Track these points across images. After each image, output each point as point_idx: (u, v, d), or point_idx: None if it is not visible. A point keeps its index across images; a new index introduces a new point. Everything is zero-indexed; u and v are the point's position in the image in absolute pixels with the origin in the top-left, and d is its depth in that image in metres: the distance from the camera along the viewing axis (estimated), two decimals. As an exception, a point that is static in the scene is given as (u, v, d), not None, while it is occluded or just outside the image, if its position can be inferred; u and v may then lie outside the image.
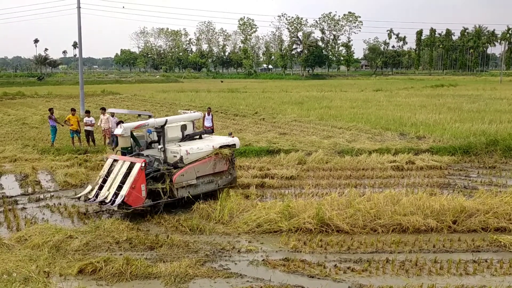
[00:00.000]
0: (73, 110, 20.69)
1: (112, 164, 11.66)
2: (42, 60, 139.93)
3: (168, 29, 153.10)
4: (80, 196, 11.57)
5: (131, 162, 11.25)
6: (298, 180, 14.73)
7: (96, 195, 11.23)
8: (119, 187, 10.99)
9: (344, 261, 8.74)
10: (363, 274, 8.20)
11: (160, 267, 8.40)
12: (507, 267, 8.39)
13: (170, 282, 7.91)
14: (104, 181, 11.46)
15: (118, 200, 10.79)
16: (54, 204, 12.63)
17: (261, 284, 7.82)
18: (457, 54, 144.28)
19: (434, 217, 10.42)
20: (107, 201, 10.94)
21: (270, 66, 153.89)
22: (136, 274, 8.18)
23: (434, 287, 7.48)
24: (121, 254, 9.05)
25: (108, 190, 11.12)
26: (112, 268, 8.25)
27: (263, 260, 8.85)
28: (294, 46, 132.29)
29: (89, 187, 11.73)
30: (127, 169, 11.14)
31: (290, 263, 8.62)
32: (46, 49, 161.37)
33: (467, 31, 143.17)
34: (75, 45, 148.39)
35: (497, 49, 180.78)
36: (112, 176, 11.30)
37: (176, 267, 8.37)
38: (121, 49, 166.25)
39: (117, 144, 19.56)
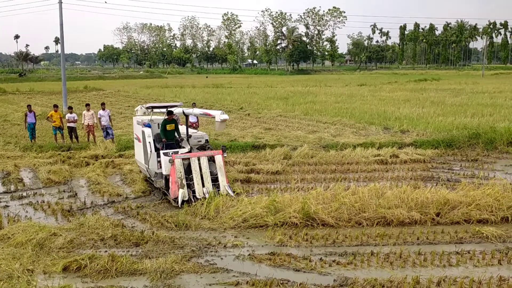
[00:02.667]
0: (55, 106, 20.43)
1: (182, 164, 11.77)
2: (24, 56, 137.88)
3: (151, 24, 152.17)
4: (180, 202, 11.49)
5: (210, 156, 12.21)
6: (283, 175, 14.77)
7: (193, 195, 11.67)
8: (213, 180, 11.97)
9: (330, 254, 8.80)
10: (348, 267, 8.26)
11: (146, 263, 8.36)
12: (489, 258, 8.52)
13: (156, 278, 7.88)
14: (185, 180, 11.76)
15: (230, 190, 11.93)
16: (38, 201, 12.48)
17: (247, 279, 7.83)
18: (440, 48, 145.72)
19: (418, 209, 10.53)
20: (207, 195, 11.55)
21: (255, 62, 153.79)
22: (121, 271, 8.13)
23: (418, 278, 7.56)
24: (106, 251, 8.98)
25: (203, 186, 11.76)
26: (97, 265, 8.20)
27: (249, 254, 8.86)
28: (278, 41, 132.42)
29: (177, 193, 11.64)
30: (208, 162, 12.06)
31: (276, 257, 8.65)
32: (27, 45, 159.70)
33: (450, 25, 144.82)
34: (57, 41, 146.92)
35: (479, 44, 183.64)
36: (195, 173, 11.75)
37: (162, 263, 8.35)
38: (104, 45, 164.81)
39: (107, 136, 19.51)
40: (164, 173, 12.07)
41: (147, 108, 13.77)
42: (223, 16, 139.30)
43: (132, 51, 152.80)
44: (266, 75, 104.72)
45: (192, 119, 20.04)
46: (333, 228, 10.07)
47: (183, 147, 12.76)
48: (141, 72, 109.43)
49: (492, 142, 18.28)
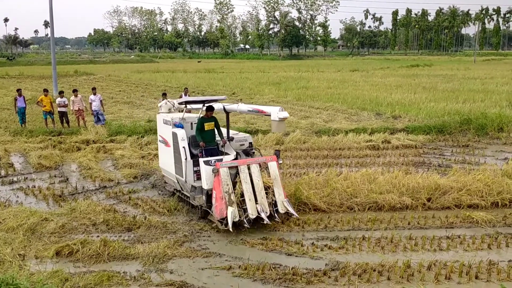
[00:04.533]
0: (45, 90, 20.23)
1: (229, 173, 9.25)
2: (13, 40, 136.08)
3: (142, 8, 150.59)
4: (230, 224, 8.82)
5: (263, 162, 9.69)
6: (275, 160, 14.74)
7: (245, 214, 9.08)
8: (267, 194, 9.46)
9: (321, 239, 8.84)
10: (340, 252, 8.31)
11: (138, 248, 8.37)
12: (479, 242, 8.61)
13: (148, 263, 7.89)
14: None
15: (290, 207, 9.52)
16: (28, 186, 12.40)
17: (239, 263, 7.86)
18: (432, 34, 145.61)
19: (409, 195, 10.60)
20: (262, 214, 9.16)
21: (247, 46, 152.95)
22: (113, 256, 8.13)
23: (409, 263, 7.63)
24: (98, 236, 8.97)
25: (256, 202, 9.21)
26: (89, 250, 8.19)
27: (241, 239, 8.89)
28: (271, 26, 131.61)
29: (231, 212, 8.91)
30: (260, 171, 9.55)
31: (268, 241, 8.68)
32: (16, 29, 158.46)
33: (442, 11, 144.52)
34: (46, 25, 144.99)
35: (471, 30, 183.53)
36: (245, 185, 9.18)
37: (154, 248, 8.36)
38: (95, 29, 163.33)
39: (98, 122, 19.38)
40: (205, 187, 9.36)
41: (181, 103, 11.15)
42: (215, 0, 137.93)
43: (123, 35, 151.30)
44: (259, 60, 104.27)
45: None
46: (325, 213, 10.12)
47: (227, 153, 10.19)
48: (132, 57, 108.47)
49: (483, 128, 18.38)
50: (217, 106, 11.01)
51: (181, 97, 20.10)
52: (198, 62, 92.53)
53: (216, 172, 9.11)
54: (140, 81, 42.18)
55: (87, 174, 13.45)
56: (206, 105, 10.50)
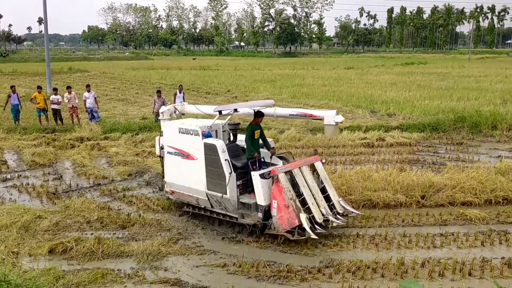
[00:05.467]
0: (39, 87, 20.12)
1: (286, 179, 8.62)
2: (6, 37, 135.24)
3: (136, 5, 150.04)
4: (309, 229, 8.20)
5: (310, 164, 9.25)
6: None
7: (313, 220, 8.47)
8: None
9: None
10: (334, 249, 8.33)
11: (133, 245, 8.36)
12: (472, 239, 8.66)
13: (142, 260, 7.88)
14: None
15: (347, 205, 9.35)
16: (22, 184, 12.35)
17: (234, 260, 7.87)
18: (427, 32, 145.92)
19: (403, 192, 10.64)
20: (330, 217, 8.75)
21: (242, 44, 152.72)
22: (108, 253, 8.12)
23: (403, 260, 7.66)
24: (92, 234, 8.95)
25: (318, 206, 8.74)
26: (83, 247, 8.18)
27: (236, 236, 8.89)
28: (266, 23, 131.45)
29: (304, 218, 8.31)
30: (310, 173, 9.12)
31: (262, 239, 8.68)
32: (10, 25, 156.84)
33: (437, 9, 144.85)
34: (40, 21, 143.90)
35: (465, 28, 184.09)
36: (305, 189, 8.66)
37: (148, 245, 8.35)
38: (89, 26, 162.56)
39: (92, 119, 19.29)
40: (263, 203, 8.43)
41: (217, 111, 9.61)
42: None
43: (117, 32, 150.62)
44: (254, 58, 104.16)
45: (178, 101, 19.77)
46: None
47: (275, 164, 9.32)
48: (126, 54, 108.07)
49: (477, 126, 18.45)
50: (242, 111, 10.23)
51: (175, 94, 20.05)
52: (193, 59, 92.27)
53: (276, 179, 8.37)
54: (135, 78, 42.05)
55: (81, 171, 13.41)
56: (255, 110, 9.57)
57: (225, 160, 8.72)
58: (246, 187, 8.95)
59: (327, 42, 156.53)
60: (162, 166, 10.36)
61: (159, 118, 10.47)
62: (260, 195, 8.43)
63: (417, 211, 10.15)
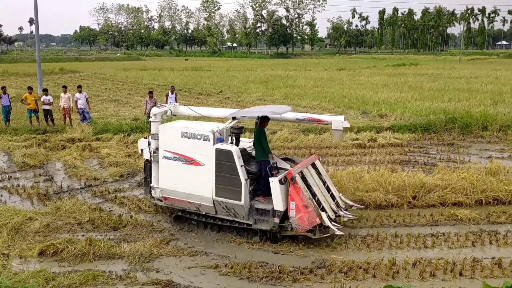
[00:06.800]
0: (30, 88, 19.98)
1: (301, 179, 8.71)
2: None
3: (128, 5, 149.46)
4: (332, 227, 8.46)
5: (312, 164, 9.42)
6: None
7: (329, 217, 8.67)
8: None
9: (308, 237, 8.86)
10: (326, 249, 8.35)
11: (124, 247, 8.33)
12: (463, 240, 8.71)
13: (134, 262, 7.85)
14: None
15: (348, 200, 9.77)
16: (13, 185, 12.25)
17: (226, 262, 7.86)
18: (418, 33, 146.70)
19: (395, 193, 10.69)
20: (341, 212, 9.21)
21: (234, 45, 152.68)
22: (99, 255, 8.08)
23: (394, 260, 7.69)
24: (83, 235, 8.91)
25: (329, 203, 9.09)
26: (74, 249, 8.13)
27: (228, 237, 8.89)
28: (258, 25, 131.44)
29: (325, 217, 8.50)
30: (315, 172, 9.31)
31: (254, 240, 8.68)
32: (0, 25, 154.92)
33: (428, 11, 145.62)
34: (31, 21, 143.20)
35: (456, 29, 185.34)
36: (316, 188, 8.89)
37: (140, 246, 8.32)
38: (80, 26, 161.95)
39: (84, 120, 19.19)
40: (282, 209, 8.43)
41: (233, 117, 9.43)
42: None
43: (109, 32, 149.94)
44: (246, 59, 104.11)
45: (171, 101, 19.66)
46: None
47: (284, 169, 9.22)
48: (118, 54, 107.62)
49: (468, 127, 18.58)
50: (251, 115, 9.99)
51: (167, 95, 20.01)
52: (185, 60, 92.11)
53: (293, 181, 8.35)
54: (127, 79, 41.89)
55: (72, 172, 13.33)
56: (261, 115, 9.36)
57: (241, 166, 8.58)
58: (255, 191, 8.94)
59: (319, 44, 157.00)
60: (148, 170, 10.10)
61: (150, 119, 10.32)
62: (279, 201, 8.40)
63: (408, 211, 10.20)
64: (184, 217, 9.61)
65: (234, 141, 9.25)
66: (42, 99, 19.64)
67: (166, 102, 19.74)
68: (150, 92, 19.29)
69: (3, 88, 20.41)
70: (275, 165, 8.96)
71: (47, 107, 19.45)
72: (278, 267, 7.55)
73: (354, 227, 9.35)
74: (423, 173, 12.05)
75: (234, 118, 9.34)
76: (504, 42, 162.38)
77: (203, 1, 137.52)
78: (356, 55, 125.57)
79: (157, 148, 9.69)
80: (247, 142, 10.12)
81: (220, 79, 40.97)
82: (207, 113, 10.67)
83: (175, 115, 10.85)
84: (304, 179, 8.75)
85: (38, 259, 7.99)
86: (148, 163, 10.11)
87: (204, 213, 9.29)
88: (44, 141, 16.98)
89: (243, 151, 9.24)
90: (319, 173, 9.40)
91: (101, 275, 7.37)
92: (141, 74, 46.61)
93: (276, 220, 8.46)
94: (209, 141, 8.83)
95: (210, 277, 7.45)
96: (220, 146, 8.78)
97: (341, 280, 7.19)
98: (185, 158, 9.18)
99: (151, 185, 10.06)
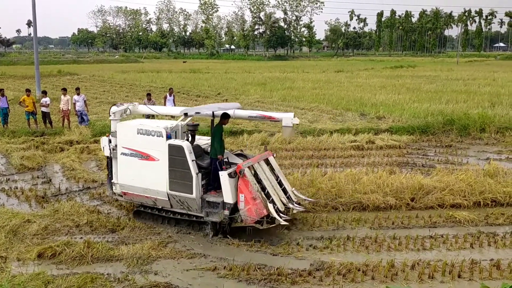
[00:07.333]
0: (27, 91, 19.95)
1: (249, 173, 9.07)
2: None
3: (126, 8, 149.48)
4: (279, 217, 8.73)
5: (265, 159, 9.73)
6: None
7: (277, 210, 8.94)
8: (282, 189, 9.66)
9: (306, 239, 8.87)
10: (325, 252, 8.35)
11: (122, 249, 8.31)
12: (462, 241, 8.72)
13: (132, 264, 7.84)
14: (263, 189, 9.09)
15: (300, 194, 10.08)
16: (11, 188, 12.23)
17: (224, 264, 7.85)
18: (416, 35, 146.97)
19: (393, 195, 10.70)
20: (291, 205, 9.45)
21: (232, 47, 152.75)
22: (97, 257, 8.07)
23: (393, 262, 7.69)
24: (81, 238, 8.89)
25: (279, 196, 9.37)
26: (73, 251, 8.12)
27: (226, 239, 8.88)
28: (256, 27, 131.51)
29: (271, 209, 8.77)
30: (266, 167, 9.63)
31: (253, 242, 8.68)
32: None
33: (425, 13, 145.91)
34: (29, 24, 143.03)
35: (454, 31, 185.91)
36: (266, 182, 9.17)
37: (138, 249, 8.31)
38: (78, 28, 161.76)
39: (82, 122, 19.20)
40: (230, 201, 8.77)
41: (185, 114, 9.63)
42: (200, 0, 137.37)
43: (107, 35, 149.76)
44: (244, 61, 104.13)
45: (169, 104, 19.67)
46: (310, 213, 10.15)
47: (235, 163, 9.40)
48: (116, 57, 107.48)
49: (466, 129, 18.62)
50: (202, 112, 10.15)
51: (165, 97, 20.00)
52: (184, 62, 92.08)
53: (242, 174, 8.72)
54: (125, 81, 41.84)
55: (70, 175, 13.31)
56: (219, 112, 9.72)
57: (192, 160, 8.93)
58: (207, 186, 9.30)
59: (317, 46, 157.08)
60: (109, 167, 10.31)
61: (110, 118, 10.41)
62: (228, 193, 8.77)
63: (407, 213, 10.20)
64: (143, 212, 9.91)
65: (190, 138, 9.72)
66: (41, 101, 19.63)
67: (165, 104, 19.76)
68: (148, 94, 19.28)
69: (1, 90, 20.36)
70: (226, 159, 9.32)
71: (45, 109, 19.44)
72: (277, 269, 7.54)
73: (353, 229, 9.35)
74: (421, 175, 12.06)
75: (186, 114, 9.63)
76: (501, 44, 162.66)
77: (201, 4, 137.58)
78: (354, 57, 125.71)
79: (116, 145, 9.92)
80: (205, 139, 10.49)
81: (218, 81, 40.96)
82: (165, 112, 11.16)
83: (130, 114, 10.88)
84: (255, 173, 9.11)
85: (36, 261, 7.97)
86: (109, 160, 10.33)
87: (160, 207, 9.66)
88: (42, 143, 16.96)
89: (197, 147, 9.65)
90: (272, 169, 9.72)
91: (99, 277, 7.36)
92: (139, 76, 46.57)
93: (226, 212, 8.80)
94: (162, 137, 9.19)
95: (209, 280, 7.44)
96: (172, 141, 9.15)
97: (340, 282, 7.19)
98: (141, 154, 9.52)
99: (112, 181, 10.25)
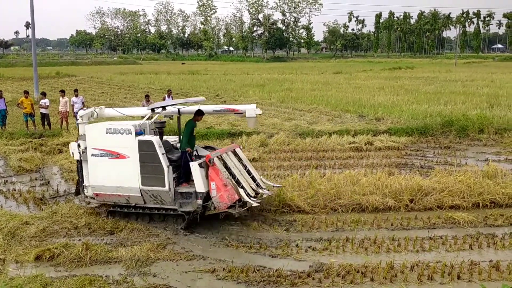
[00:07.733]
0: (26, 92, 19.94)
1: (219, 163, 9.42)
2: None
3: (125, 9, 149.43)
4: (250, 201, 9.21)
5: (232, 150, 10.23)
6: (260, 162, 14.76)
7: (248, 194, 9.41)
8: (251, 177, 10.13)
9: (305, 240, 8.85)
10: (324, 253, 8.33)
11: (121, 251, 8.28)
12: (461, 243, 8.71)
13: (131, 266, 7.81)
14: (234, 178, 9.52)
15: (269, 182, 10.72)
16: (9, 189, 12.20)
17: (223, 266, 7.83)
18: (414, 37, 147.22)
19: (392, 196, 10.68)
20: (260, 190, 9.95)
21: (231, 48, 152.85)
22: (96, 259, 8.04)
23: (392, 263, 7.68)
24: (80, 240, 8.87)
25: (249, 183, 9.81)
26: (71, 253, 8.09)
27: (225, 241, 8.86)
28: (254, 28, 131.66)
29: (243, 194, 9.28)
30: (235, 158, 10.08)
31: (251, 244, 8.66)
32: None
33: (424, 14, 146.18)
34: (27, 25, 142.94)
35: (452, 33, 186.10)
36: (235, 170, 9.64)
37: (137, 251, 8.28)
38: (77, 30, 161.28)
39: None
40: (203, 190, 9.12)
41: (152, 109, 10.17)
42: (198, 2, 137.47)
43: (106, 36, 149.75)
44: (242, 62, 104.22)
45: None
46: (309, 215, 10.14)
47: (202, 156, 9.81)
48: (114, 58, 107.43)
49: (464, 130, 18.63)
50: (169, 109, 10.52)
51: (164, 99, 20.01)
52: (182, 64, 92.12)
53: (212, 163, 9.06)
54: (123, 83, 41.85)
55: (68, 176, 13.28)
56: (198, 108, 10.21)
57: (163, 154, 9.22)
58: (178, 179, 9.60)
59: (316, 47, 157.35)
60: (80, 171, 10.31)
61: (77, 122, 10.46)
62: (200, 183, 9.12)
63: (405, 214, 10.19)
64: (117, 212, 9.99)
65: (158, 136, 10.08)
66: (40, 103, 19.62)
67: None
68: (147, 96, 19.28)
69: (-1, 92, 20.35)
70: (196, 152, 9.78)
71: (44, 110, 19.42)
72: (276, 271, 7.52)
73: (352, 230, 9.33)
74: (420, 176, 12.05)
75: (152, 110, 10.02)
76: (499, 46, 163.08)
77: (199, 5, 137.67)
78: (353, 58, 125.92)
79: (86, 148, 9.97)
80: (173, 138, 10.98)
81: (216, 82, 40.98)
82: (132, 113, 11.39)
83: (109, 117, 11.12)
84: (224, 163, 9.52)
85: (34, 264, 7.94)
86: (79, 164, 10.33)
87: (134, 204, 9.77)
88: (40, 145, 16.94)
89: (165, 142, 10.01)
90: (240, 160, 10.20)
91: (98, 279, 7.33)
92: (137, 78, 46.56)
93: (199, 201, 9.14)
94: (131, 134, 9.40)
95: (208, 282, 7.42)
96: (141, 137, 9.40)
97: (339, 284, 7.17)
98: (111, 153, 9.65)
99: (84, 184, 10.26)
